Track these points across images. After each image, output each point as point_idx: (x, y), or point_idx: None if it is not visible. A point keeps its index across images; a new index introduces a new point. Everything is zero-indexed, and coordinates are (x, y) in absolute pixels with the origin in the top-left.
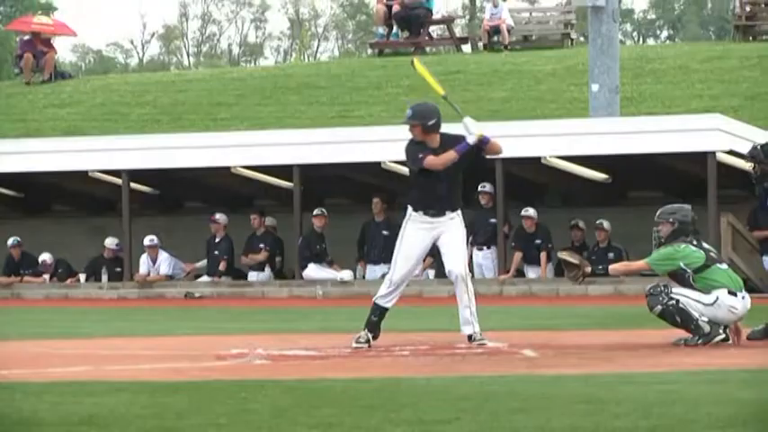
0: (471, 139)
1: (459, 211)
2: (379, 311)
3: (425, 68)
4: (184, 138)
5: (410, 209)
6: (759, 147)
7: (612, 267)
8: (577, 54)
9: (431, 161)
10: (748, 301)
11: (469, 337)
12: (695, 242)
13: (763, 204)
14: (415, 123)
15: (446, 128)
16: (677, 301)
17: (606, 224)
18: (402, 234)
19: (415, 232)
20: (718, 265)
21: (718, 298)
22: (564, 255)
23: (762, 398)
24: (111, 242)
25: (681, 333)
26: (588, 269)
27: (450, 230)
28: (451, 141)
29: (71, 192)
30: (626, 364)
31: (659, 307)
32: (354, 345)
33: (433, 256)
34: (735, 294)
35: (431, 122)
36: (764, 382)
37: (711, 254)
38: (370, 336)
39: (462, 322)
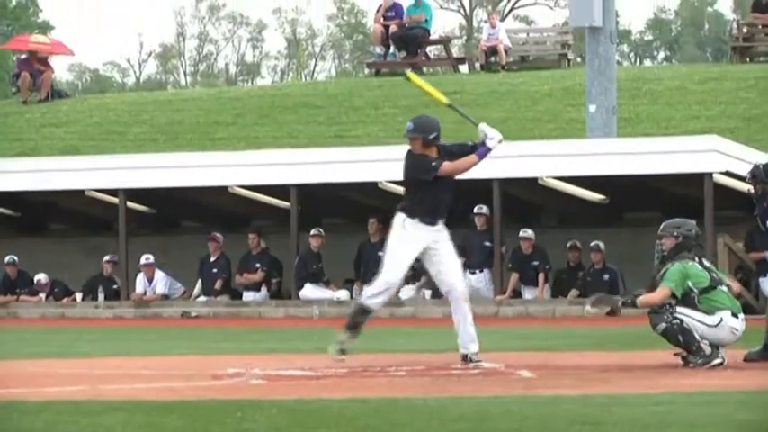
0: (493, 144)
1: None
2: (366, 313)
3: (421, 79)
4: (181, 157)
5: (404, 216)
6: (761, 166)
7: (640, 301)
8: (574, 75)
9: (447, 168)
10: (744, 323)
11: (465, 357)
12: (698, 260)
13: (763, 225)
14: (416, 136)
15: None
16: (681, 320)
17: (601, 246)
18: (398, 235)
19: (414, 233)
20: (720, 287)
21: (722, 319)
22: (592, 309)
23: (758, 420)
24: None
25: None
26: (620, 303)
27: (444, 244)
28: (447, 151)
29: (67, 211)
30: (622, 385)
31: (663, 324)
32: (334, 355)
33: (428, 275)
34: (736, 316)
35: (432, 136)
36: (761, 403)
37: (713, 274)
38: (352, 338)
39: (468, 340)
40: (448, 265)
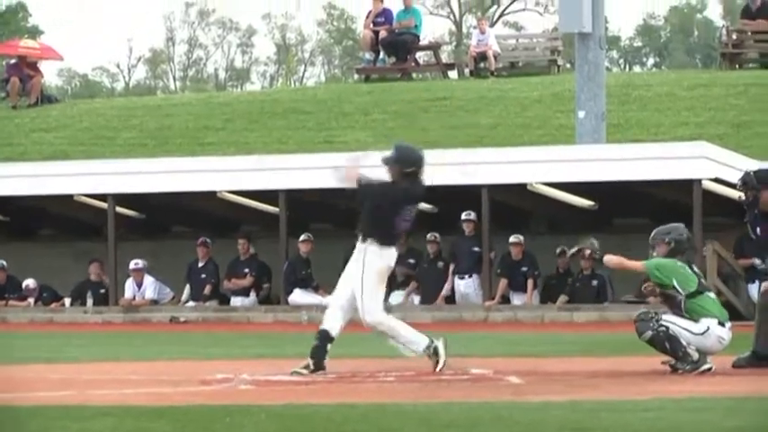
0: None
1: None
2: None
3: None
4: (170, 162)
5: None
6: (752, 173)
7: (609, 258)
8: (564, 81)
9: None
10: (731, 333)
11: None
12: (688, 265)
13: (753, 232)
14: (393, 167)
15: None
16: (667, 328)
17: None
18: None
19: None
20: (708, 293)
21: (708, 328)
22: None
23: (746, 426)
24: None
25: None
26: (588, 252)
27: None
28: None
29: (57, 216)
30: (611, 391)
31: (649, 332)
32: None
33: (417, 281)
34: (723, 325)
35: (409, 169)
36: (749, 410)
37: (702, 280)
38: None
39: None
40: None
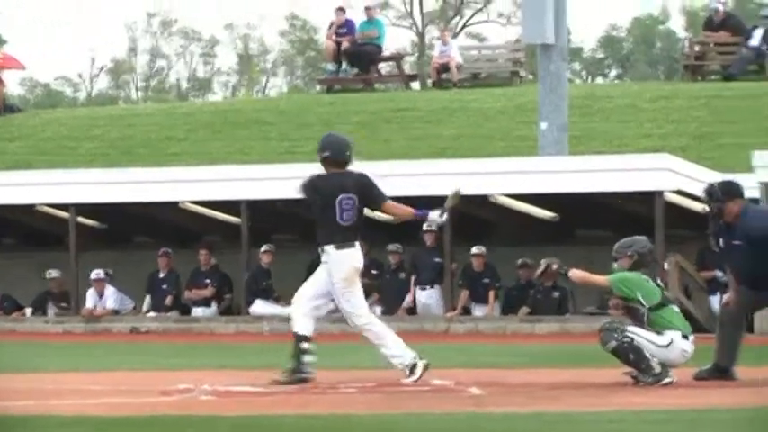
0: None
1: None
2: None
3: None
4: (132, 172)
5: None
6: (716, 185)
7: (573, 272)
8: (526, 92)
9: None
10: (694, 345)
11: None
12: (652, 277)
13: (716, 244)
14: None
15: None
16: (632, 339)
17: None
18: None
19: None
20: (671, 305)
21: (672, 341)
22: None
23: None
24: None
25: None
26: (554, 267)
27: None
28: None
29: (18, 225)
30: (573, 402)
31: (613, 342)
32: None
33: (379, 291)
34: (686, 338)
35: (324, 154)
36: (710, 421)
37: (665, 292)
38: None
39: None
40: None
